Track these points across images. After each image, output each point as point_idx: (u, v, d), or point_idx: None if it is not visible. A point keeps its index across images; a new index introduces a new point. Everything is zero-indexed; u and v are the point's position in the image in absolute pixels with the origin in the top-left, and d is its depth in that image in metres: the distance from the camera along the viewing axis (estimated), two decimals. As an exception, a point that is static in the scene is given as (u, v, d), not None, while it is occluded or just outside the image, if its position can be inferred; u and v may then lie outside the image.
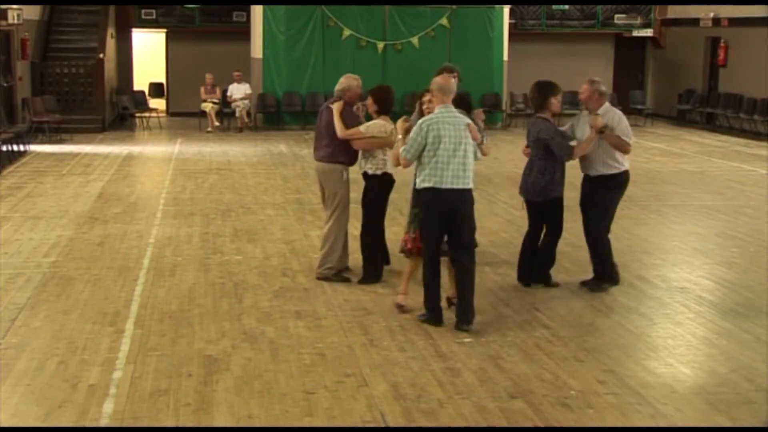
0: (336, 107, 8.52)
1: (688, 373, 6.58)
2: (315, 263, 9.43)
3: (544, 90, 8.35)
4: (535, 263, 8.58)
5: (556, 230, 8.54)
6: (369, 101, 8.59)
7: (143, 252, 9.91)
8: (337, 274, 8.71)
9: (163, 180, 14.90)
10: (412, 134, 7.41)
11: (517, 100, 23.81)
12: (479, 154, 7.66)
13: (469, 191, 7.37)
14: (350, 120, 8.53)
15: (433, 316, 7.47)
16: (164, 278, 8.87)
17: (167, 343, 7.00)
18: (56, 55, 21.95)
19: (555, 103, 8.34)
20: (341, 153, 8.53)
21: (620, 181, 8.56)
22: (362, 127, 8.44)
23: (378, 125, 8.39)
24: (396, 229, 9.76)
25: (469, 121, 7.49)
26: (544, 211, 8.46)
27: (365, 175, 8.58)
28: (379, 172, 8.47)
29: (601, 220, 8.54)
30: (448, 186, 7.28)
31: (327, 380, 6.28)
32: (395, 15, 22.63)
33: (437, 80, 7.53)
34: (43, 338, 7.10)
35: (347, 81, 8.73)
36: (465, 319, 7.36)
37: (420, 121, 7.45)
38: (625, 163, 8.61)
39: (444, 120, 7.33)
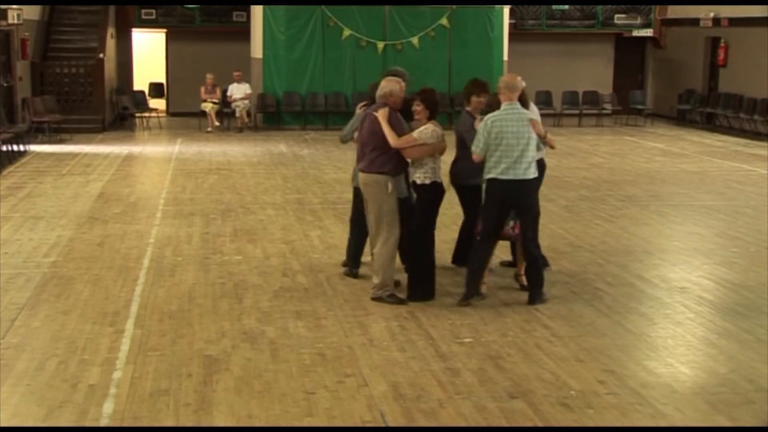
0: (381, 115, 7.89)
1: (688, 373, 6.58)
2: (315, 263, 9.46)
3: (468, 88, 8.83)
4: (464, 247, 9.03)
5: (470, 215, 8.89)
6: (417, 105, 8.03)
7: (143, 252, 9.91)
8: (392, 295, 8.07)
9: (163, 180, 14.90)
10: (479, 130, 7.98)
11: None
12: (542, 147, 8.22)
13: (529, 181, 7.94)
14: (398, 127, 7.94)
15: (467, 297, 8.05)
16: (164, 278, 8.87)
17: (167, 343, 7.00)
18: (56, 55, 21.95)
19: (475, 101, 8.73)
20: (386, 162, 7.93)
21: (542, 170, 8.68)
22: (415, 134, 7.87)
23: (429, 130, 7.89)
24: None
25: (532, 116, 8.01)
26: (462, 196, 8.89)
27: (413, 184, 8.05)
28: (428, 181, 7.94)
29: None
30: (509, 177, 7.86)
31: (327, 380, 6.28)
32: (395, 15, 22.62)
33: (504, 78, 8.11)
34: (43, 338, 7.10)
35: (390, 85, 8.05)
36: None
37: (486, 117, 7.98)
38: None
39: (507, 117, 7.88)
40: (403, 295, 8.09)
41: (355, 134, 8.64)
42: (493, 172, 7.91)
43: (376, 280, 8.07)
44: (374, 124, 7.94)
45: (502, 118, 7.91)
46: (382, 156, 7.92)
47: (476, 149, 7.97)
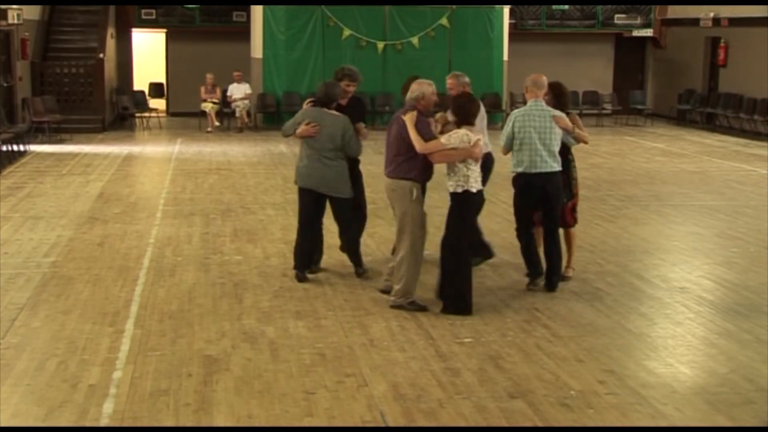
0: (409, 118, 7.67)
1: (688, 373, 6.58)
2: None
3: (405, 84, 8.71)
4: None
5: None
6: (448, 112, 7.98)
7: (143, 252, 9.91)
8: (413, 302, 7.88)
9: (163, 180, 14.90)
10: (505, 125, 8.36)
11: (517, 100, 23.77)
12: (572, 140, 8.56)
13: (555, 173, 8.30)
14: (425, 131, 7.71)
15: (534, 277, 8.51)
16: (164, 278, 8.87)
17: (167, 343, 7.00)
18: (56, 55, 21.95)
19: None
20: (412, 168, 7.74)
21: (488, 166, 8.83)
22: (443, 139, 7.61)
23: (459, 135, 7.59)
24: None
25: (557, 113, 8.33)
26: None
27: (450, 193, 7.76)
28: (459, 189, 7.62)
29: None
30: (537, 170, 8.21)
31: (327, 380, 6.28)
32: (395, 15, 22.63)
33: (531, 77, 8.52)
34: (43, 338, 7.10)
35: (420, 88, 7.89)
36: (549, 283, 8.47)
37: (511, 114, 8.45)
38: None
39: (531, 113, 8.28)
40: (423, 303, 7.91)
41: (296, 130, 8.65)
42: (520, 166, 8.30)
43: (397, 287, 7.92)
44: (401, 128, 7.75)
45: (525, 114, 8.31)
46: (407, 161, 7.73)
47: (501, 143, 8.47)
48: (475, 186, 7.66)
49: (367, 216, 9.37)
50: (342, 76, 8.88)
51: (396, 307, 7.86)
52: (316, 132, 8.50)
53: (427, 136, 7.67)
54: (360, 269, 8.94)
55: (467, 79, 9.04)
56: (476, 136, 7.69)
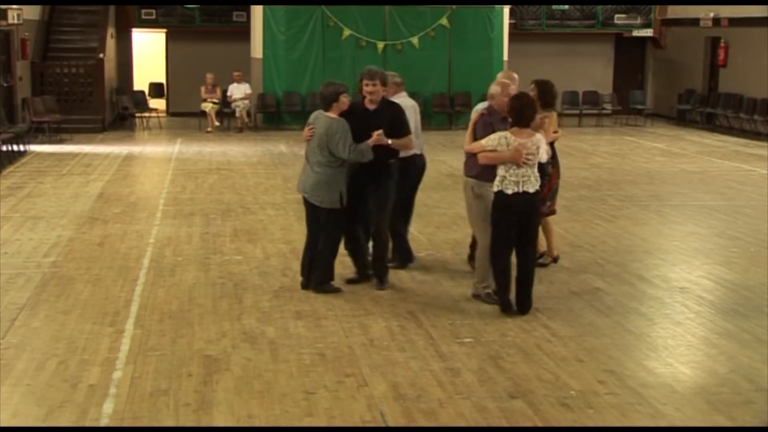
0: (473, 116, 7.90)
1: (688, 373, 6.58)
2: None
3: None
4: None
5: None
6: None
7: (143, 252, 9.91)
8: (489, 294, 7.94)
9: (163, 180, 14.90)
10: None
11: (517, 100, 23.79)
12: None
13: None
14: (480, 131, 7.74)
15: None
16: (164, 278, 8.87)
17: (167, 343, 7.00)
18: (56, 55, 21.95)
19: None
20: (474, 166, 7.86)
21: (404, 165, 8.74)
22: (483, 141, 7.65)
23: (497, 137, 7.58)
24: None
25: None
26: None
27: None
28: (495, 189, 7.63)
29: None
30: None
31: (327, 380, 6.28)
32: (395, 15, 22.62)
33: (502, 72, 8.80)
34: (43, 338, 7.10)
35: (493, 87, 7.98)
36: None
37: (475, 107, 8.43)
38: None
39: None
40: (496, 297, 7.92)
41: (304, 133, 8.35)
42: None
43: (475, 279, 8.22)
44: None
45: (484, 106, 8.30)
46: (470, 159, 7.93)
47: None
48: (511, 188, 7.55)
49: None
50: (361, 76, 8.29)
51: (475, 296, 8.11)
52: (311, 135, 8.22)
53: (481, 135, 7.76)
54: (318, 284, 8.33)
55: (399, 79, 9.09)
56: (519, 140, 7.55)
